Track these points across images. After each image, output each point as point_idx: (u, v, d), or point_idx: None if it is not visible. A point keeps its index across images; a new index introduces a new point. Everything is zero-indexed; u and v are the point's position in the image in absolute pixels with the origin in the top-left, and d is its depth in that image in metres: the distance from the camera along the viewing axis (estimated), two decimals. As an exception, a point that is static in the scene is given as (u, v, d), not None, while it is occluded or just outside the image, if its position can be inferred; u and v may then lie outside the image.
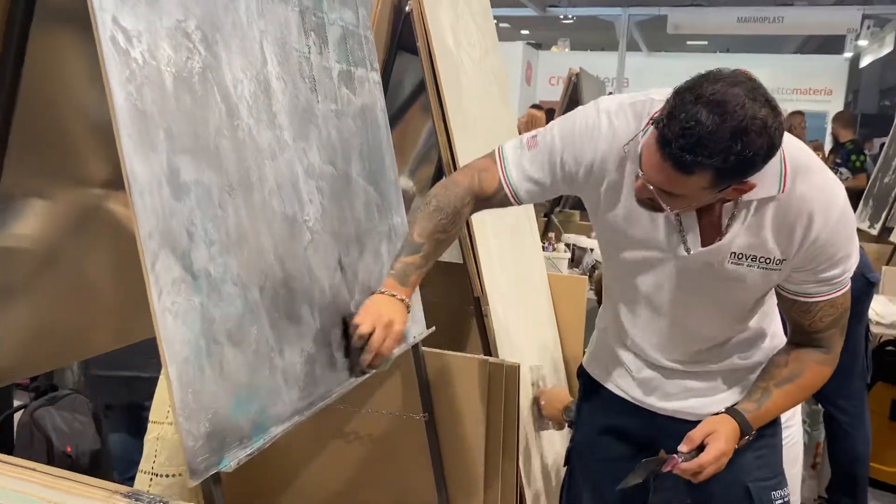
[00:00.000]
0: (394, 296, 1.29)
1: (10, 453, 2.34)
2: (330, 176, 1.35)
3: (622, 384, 1.50)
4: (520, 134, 5.29)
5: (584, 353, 2.94)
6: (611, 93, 5.45)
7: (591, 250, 3.32)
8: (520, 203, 1.43)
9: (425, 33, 1.97)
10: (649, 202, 1.19)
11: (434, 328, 1.67)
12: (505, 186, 1.39)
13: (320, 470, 1.86)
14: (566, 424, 2.11)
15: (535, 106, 7.46)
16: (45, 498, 0.96)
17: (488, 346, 2.10)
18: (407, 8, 2.05)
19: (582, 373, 1.63)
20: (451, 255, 2.20)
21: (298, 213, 1.24)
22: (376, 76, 1.62)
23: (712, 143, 1.03)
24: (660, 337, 1.41)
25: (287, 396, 1.13)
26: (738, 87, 1.05)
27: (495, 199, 1.41)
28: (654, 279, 1.35)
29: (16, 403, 2.50)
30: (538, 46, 12.75)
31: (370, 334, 1.24)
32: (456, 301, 2.45)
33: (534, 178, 1.37)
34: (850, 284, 1.29)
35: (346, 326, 1.30)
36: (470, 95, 2.23)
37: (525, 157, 1.37)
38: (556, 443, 2.43)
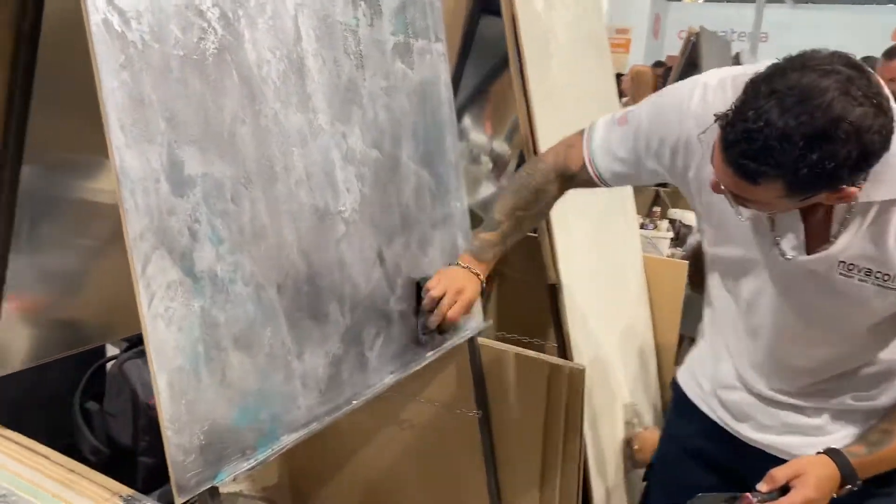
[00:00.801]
0: (468, 268, 1.33)
1: (100, 402, 2.48)
2: (374, 161, 1.25)
3: (713, 405, 1.33)
4: (623, 95, 4.96)
5: (678, 342, 2.74)
6: (737, 54, 4.96)
7: (697, 229, 3.05)
8: (606, 185, 1.29)
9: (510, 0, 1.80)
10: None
11: (491, 322, 1.56)
12: (588, 166, 1.27)
13: (374, 453, 1.82)
14: None
15: (657, 63, 6.99)
16: (50, 490, 0.95)
17: (563, 338, 1.97)
18: (491, -32, 1.90)
19: (675, 385, 1.46)
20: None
21: (332, 203, 1.15)
22: (441, 47, 1.48)
23: (780, 151, 0.83)
24: (759, 356, 1.22)
25: (304, 402, 1.07)
26: (829, 79, 0.83)
27: (580, 178, 1.30)
28: (752, 284, 1.15)
29: (109, 353, 2.63)
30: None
31: (441, 298, 1.28)
32: (535, 278, 2.32)
33: (620, 159, 1.23)
34: None
35: (420, 290, 1.33)
36: (559, 62, 2.05)
37: (613, 135, 1.23)
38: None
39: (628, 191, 2.61)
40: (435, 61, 1.46)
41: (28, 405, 2.18)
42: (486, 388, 1.62)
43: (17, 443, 1.06)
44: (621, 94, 5.80)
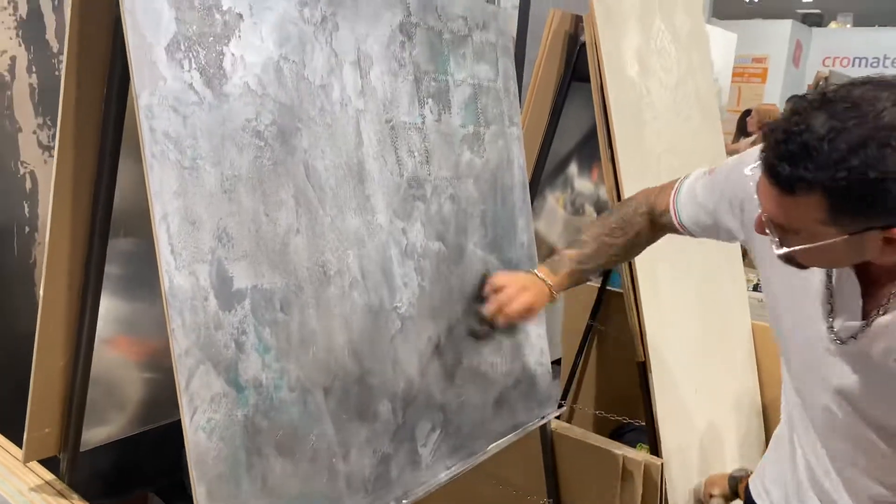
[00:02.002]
0: (537, 275, 1.28)
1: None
2: (435, 253, 1.26)
3: None
4: (749, 134, 4.69)
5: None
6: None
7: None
8: (688, 233, 1.25)
9: (598, 68, 1.77)
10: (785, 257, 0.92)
11: (564, 409, 1.51)
12: (672, 208, 1.25)
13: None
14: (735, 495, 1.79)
15: (795, 97, 6.56)
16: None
17: (652, 419, 1.87)
18: (581, 38, 1.87)
19: (747, 495, 1.32)
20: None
21: (387, 300, 1.16)
22: (516, 130, 1.48)
23: (819, 154, 0.76)
24: (823, 454, 1.10)
25: (349, 502, 1.08)
26: (887, 90, 0.77)
27: (663, 219, 1.28)
28: (804, 365, 1.05)
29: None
30: (819, 18, 11.15)
31: (502, 288, 1.25)
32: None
33: (701, 205, 1.19)
34: None
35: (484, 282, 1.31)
36: (654, 130, 1.98)
37: (700, 183, 1.21)
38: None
39: (735, 251, 2.46)
40: (509, 145, 1.45)
41: (144, 442, 2.35)
42: (559, 475, 1.57)
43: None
44: (748, 132, 5.51)
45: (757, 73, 9.66)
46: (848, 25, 10.84)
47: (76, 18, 0.95)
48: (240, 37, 0.96)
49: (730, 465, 2.13)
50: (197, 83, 0.91)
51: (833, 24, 10.99)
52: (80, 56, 0.98)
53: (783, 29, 9.79)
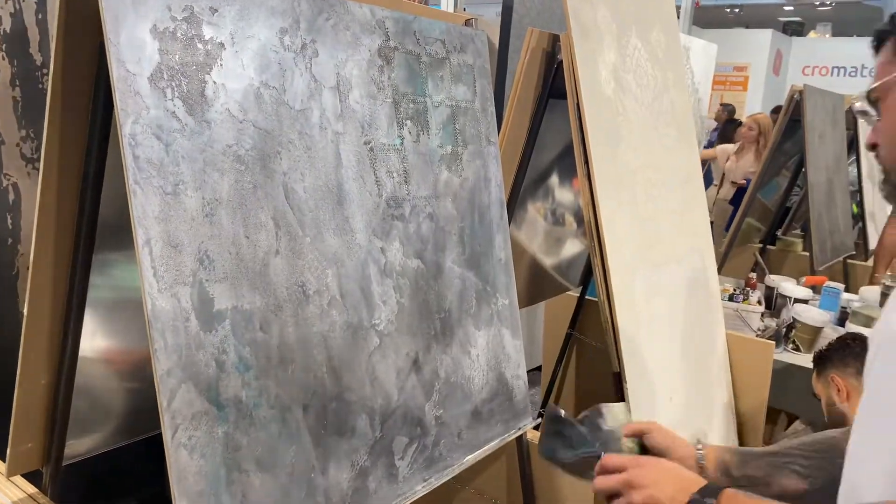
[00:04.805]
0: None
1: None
2: (413, 270, 1.29)
3: None
4: (744, 145, 4.69)
5: (774, 419, 2.59)
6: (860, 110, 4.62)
7: (792, 301, 2.87)
8: None
9: (574, 86, 1.81)
10: None
11: (540, 419, 1.55)
12: None
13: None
14: None
15: (777, 109, 6.69)
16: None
17: (626, 426, 1.92)
18: (559, 56, 1.91)
19: None
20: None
21: (366, 318, 1.20)
22: (493, 150, 1.51)
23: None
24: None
25: (327, 516, 1.11)
26: None
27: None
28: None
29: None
30: (801, 27, 11.31)
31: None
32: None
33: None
34: None
35: None
36: (630, 145, 2.03)
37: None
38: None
39: (712, 261, 2.52)
40: (486, 164, 1.49)
41: (127, 452, 2.36)
42: (535, 485, 1.60)
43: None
44: (732, 141, 5.60)
45: (738, 81, 9.79)
46: (827, 35, 11.02)
47: (61, 40, 0.97)
48: (221, 65, 0.99)
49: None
50: (179, 111, 0.94)
51: (812, 34, 11.18)
52: (64, 77, 1.00)
53: (764, 38, 9.93)
